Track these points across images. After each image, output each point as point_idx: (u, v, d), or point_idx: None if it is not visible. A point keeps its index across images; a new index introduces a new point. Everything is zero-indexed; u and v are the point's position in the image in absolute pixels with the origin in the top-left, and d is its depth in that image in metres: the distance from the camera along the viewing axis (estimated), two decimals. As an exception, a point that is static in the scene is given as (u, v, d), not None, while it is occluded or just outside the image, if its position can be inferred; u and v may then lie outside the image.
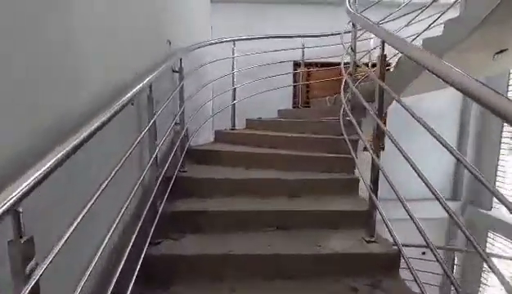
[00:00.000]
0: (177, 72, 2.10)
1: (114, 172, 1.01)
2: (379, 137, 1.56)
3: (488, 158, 4.42)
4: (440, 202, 1.03)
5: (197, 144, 2.79)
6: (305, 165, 2.22)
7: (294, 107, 4.27)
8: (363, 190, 2.08)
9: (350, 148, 2.06)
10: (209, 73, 3.42)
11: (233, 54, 3.07)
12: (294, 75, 4.33)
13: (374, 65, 4.15)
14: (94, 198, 0.86)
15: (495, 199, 4.36)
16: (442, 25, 2.39)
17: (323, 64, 4.25)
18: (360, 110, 2.46)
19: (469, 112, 4.46)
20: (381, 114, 1.54)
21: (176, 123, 2.12)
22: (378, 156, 1.53)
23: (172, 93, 1.96)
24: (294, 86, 4.22)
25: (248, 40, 3.21)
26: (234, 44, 3.06)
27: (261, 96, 3.40)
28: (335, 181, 2.06)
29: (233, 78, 3.13)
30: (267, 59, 3.53)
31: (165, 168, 1.75)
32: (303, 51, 3.67)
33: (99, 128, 0.94)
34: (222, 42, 2.89)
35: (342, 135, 2.29)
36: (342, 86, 2.47)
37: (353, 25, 2.39)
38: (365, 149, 1.74)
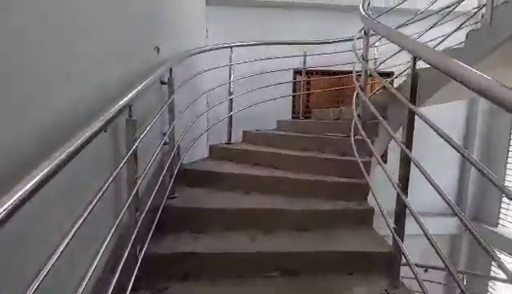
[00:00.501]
0: (166, 83, 1.80)
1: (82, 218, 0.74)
2: (406, 168, 1.29)
3: (495, 170, 4.23)
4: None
5: (191, 162, 2.50)
6: (311, 191, 1.95)
7: (293, 117, 4.01)
8: (378, 220, 1.82)
9: (363, 171, 1.80)
10: (205, 83, 3.14)
11: (230, 61, 2.79)
12: (294, 84, 4.08)
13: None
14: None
15: (501, 215, 4.17)
16: (458, 34, 2.17)
17: (325, 73, 4.01)
18: (371, 127, 2.21)
19: (475, 121, 4.27)
20: (410, 145, 1.27)
21: (165, 143, 1.82)
22: (406, 192, 1.27)
23: (161, 109, 1.66)
24: (294, 96, 3.96)
25: (246, 46, 2.94)
26: (231, 51, 2.78)
27: (259, 105, 3.13)
28: (347, 212, 1.79)
29: (230, 88, 2.85)
30: (266, 66, 3.26)
31: (149, 201, 1.45)
32: (305, 59, 3.42)
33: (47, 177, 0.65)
34: (217, 48, 2.60)
35: (352, 155, 2.03)
36: (353, 99, 2.21)
37: (365, 33, 2.14)
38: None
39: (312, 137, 2.47)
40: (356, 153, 1.94)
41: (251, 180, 2.08)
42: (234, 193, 2.01)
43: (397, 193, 1.29)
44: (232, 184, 2.09)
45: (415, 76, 1.25)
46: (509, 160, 4.07)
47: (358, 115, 2.14)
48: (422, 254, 2.54)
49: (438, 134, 1.03)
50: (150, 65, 1.55)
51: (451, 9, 2.04)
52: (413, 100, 1.26)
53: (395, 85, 2.99)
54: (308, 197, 1.92)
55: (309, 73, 3.90)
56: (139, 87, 1.19)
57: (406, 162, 1.28)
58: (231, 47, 2.77)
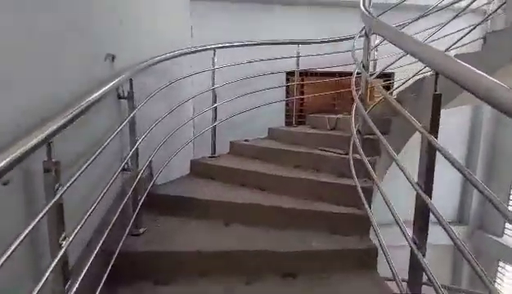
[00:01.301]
0: (124, 98, 1.47)
1: None
2: (423, 221, 0.98)
3: (500, 178, 3.95)
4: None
5: (169, 181, 2.18)
6: (304, 222, 1.64)
7: (287, 123, 3.67)
8: (382, 260, 1.52)
9: (364, 201, 1.48)
10: (188, 88, 2.80)
11: (213, 65, 2.44)
12: (287, 86, 3.73)
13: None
14: None
15: (507, 224, 3.90)
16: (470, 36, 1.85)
17: (321, 74, 3.67)
18: (373, 143, 1.89)
19: (479, 130, 3.97)
20: (430, 191, 0.96)
21: (124, 169, 1.49)
22: (424, 253, 0.96)
23: (118, 129, 1.33)
24: (287, 104, 3.63)
25: (231, 48, 2.59)
26: (214, 53, 2.43)
27: (250, 109, 2.80)
28: (345, 252, 1.48)
29: (214, 95, 2.51)
30: (256, 69, 2.92)
31: (97, 249, 1.13)
32: (298, 60, 3.08)
33: None
34: (195, 51, 2.25)
35: (350, 177, 1.72)
36: (352, 112, 1.88)
37: (366, 35, 1.80)
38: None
39: (307, 153, 2.14)
40: (355, 175, 1.62)
41: (233, 208, 1.75)
42: (212, 225, 1.69)
43: (417, 194, 0.96)
44: (211, 212, 1.77)
45: (437, 98, 0.93)
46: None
47: (358, 131, 1.82)
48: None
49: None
50: (95, 79, 1.21)
51: (467, 3, 1.71)
52: (434, 127, 0.93)
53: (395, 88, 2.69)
54: (300, 230, 1.61)
55: (303, 74, 3.55)
56: (61, 121, 0.85)
57: (422, 212, 0.97)
58: (214, 50, 2.42)
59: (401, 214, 1.03)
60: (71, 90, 1.10)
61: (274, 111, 3.44)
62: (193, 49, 2.21)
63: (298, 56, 3.06)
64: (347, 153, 1.98)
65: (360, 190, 1.52)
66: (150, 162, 1.86)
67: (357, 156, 1.77)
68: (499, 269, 3.95)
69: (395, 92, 2.70)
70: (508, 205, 3.88)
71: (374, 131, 1.85)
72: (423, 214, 0.98)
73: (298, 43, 3.04)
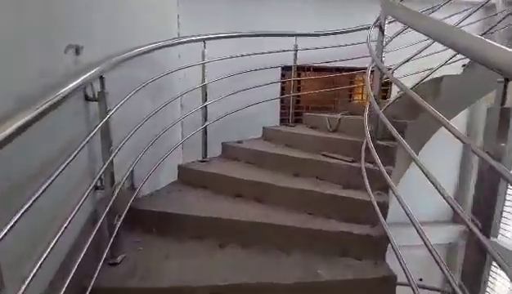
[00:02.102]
0: (94, 100, 1.18)
1: None
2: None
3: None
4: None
5: (155, 190, 1.91)
6: (309, 243, 1.42)
7: (282, 121, 3.43)
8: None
9: (380, 218, 1.28)
10: (175, 85, 2.52)
11: (203, 58, 2.15)
12: (283, 82, 3.47)
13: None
14: None
15: (502, 225, 3.84)
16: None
17: (318, 70, 3.43)
18: (383, 150, 1.67)
19: (478, 126, 3.85)
20: (489, 228, 0.74)
21: (97, 188, 1.22)
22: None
23: (84, 142, 1.05)
24: (282, 101, 3.37)
25: (223, 39, 2.30)
26: (204, 45, 2.14)
27: (242, 106, 2.54)
28: (356, 283, 1.27)
29: (204, 92, 2.23)
30: (249, 63, 2.64)
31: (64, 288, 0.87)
32: (296, 54, 2.82)
33: None
34: (182, 42, 1.95)
35: (360, 188, 1.52)
36: (365, 113, 1.65)
37: (381, 29, 1.55)
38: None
39: (308, 159, 1.91)
40: (369, 188, 1.40)
41: (228, 226, 1.51)
42: (204, 247, 1.45)
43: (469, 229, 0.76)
44: (203, 231, 1.52)
45: (505, 113, 0.70)
46: None
47: (372, 137, 1.59)
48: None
49: None
50: (52, 77, 0.92)
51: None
52: (500, 152, 0.71)
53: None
54: (305, 252, 1.39)
55: (300, 69, 3.29)
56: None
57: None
58: (204, 41, 2.13)
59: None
60: (18, 93, 0.81)
61: (268, 108, 3.18)
62: (179, 40, 1.91)
63: (295, 50, 2.81)
64: (353, 161, 1.76)
65: (376, 206, 1.31)
66: (132, 172, 1.60)
67: (369, 165, 1.57)
68: (493, 268, 3.90)
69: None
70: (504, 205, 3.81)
71: (388, 136, 1.64)
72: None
73: (295, 35, 2.78)
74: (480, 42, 0.73)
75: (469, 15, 1.45)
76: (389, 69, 1.39)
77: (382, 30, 1.54)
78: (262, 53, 2.62)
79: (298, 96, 3.51)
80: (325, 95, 3.51)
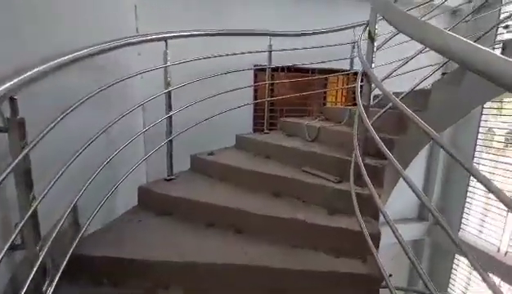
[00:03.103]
0: (3, 131, 0.83)
1: None
2: None
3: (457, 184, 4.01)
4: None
5: (108, 223, 1.56)
6: (294, 286, 1.20)
7: (255, 126, 3.18)
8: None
9: (374, 253, 1.11)
10: (134, 92, 2.14)
11: (166, 60, 1.81)
12: (256, 82, 3.21)
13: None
14: None
15: (464, 220, 4.02)
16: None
17: (291, 70, 3.21)
18: (374, 171, 1.50)
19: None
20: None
21: (13, 247, 0.88)
22: None
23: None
24: (255, 101, 3.10)
25: (189, 38, 1.97)
26: (166, 45, 1.80)
27: (213, 112, 2.24)
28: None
29: (168, 100, 1.89)
30: (219, 65, 2.33)
31: None
32: (270, 55, 2.57)
33: None
34: (138, 42, 1.59)
35: (347, 212, 1.34)
36: (355, 126, 1.44)
37: (370, 36, 1.35)
38: None
39: (288, 179, 1.68)
40: (360, 217, 1.22)
41: (199, 273, 1.24)
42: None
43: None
44: (164, 281, 1.23)
45: None
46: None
47: (363, 152, 1.40)
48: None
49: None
50: None
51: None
52: None
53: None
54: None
55: (273, 69, 3.05)
56: None
57: None
58: (166, 40, 1.78)
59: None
60: None
61: (240, 112, 2.90)
62: (135, 39, 1.55)
63: (270, 51, 2.55)
64: (339, 181, 1.58)
65: (368, 239, 1.13)
66: (75, 206, 1.24)
67: (359, 188, 1.39)
68: (455, 261, 4.09)
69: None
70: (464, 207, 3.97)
71: (373, 152, 1.47)
72: None
73: (269, 35, 2.52)
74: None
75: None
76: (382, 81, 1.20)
77: (372, 36, 1.34)
78: (234, 54, 2.33)
79: (271, 94, 3.26)
80: (299, 97, 3.32)
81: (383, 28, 1.35)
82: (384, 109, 1.47)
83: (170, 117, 1.90)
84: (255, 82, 3.23)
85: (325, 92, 3.52)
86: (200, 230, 1.51)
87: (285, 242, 1.38)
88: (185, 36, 1.91)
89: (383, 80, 1.36)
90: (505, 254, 3.47)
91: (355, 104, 3.19)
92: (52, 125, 0.96)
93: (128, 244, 1.37)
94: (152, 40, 1.68)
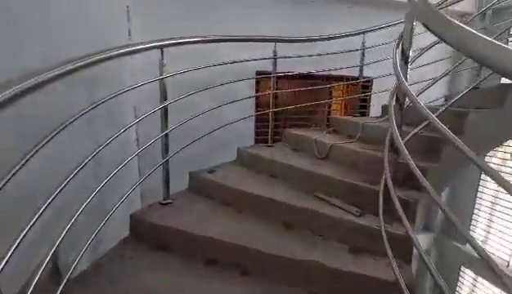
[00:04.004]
0: None
1: None
2: None
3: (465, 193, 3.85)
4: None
5: (96, 260, 1.34)
6: None
7: (257, 136, 2.96)
8: None
9: None
10: (127, 108, 1.92)
11: (161, 71, 1.58)
12: (257, 90, 2.98)
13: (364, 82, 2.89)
14: None
15: (471, 233, 3.86)
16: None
17: (296, 77, 2.98)
18: (405, 206, 1.29)
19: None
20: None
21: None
22: None
23: None
24: (258, 111, 2.88)
25: (187, 45, 1.74)
26: (162, 53, 1.56)
27: (212, 122, 2.01)
28: None
29: (165, 116, 1.66)
30: (218, 70, 2.11)
31: None
32: (275, 62, 2.35)
33: None
34: (130, 52, 1.36)
35: (371, 253, 1.15)
36: (385, 149, 1.22)
37: (403, 45, 1.14)
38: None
39: (300, 208, 1.47)
40: (394, 265, 1.01)
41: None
42: None
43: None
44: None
45: None
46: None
47: (396, 179, 1.18)
48: None
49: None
50: None
51: None
52: None
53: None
54: None
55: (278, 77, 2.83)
56: None
57: None
58: (162, 48, 1.55)
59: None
60: None
61: (242, 121, 2.67)
62: (126, 49, 1.32)
63: (275, 57, 2.33)
64: (361, 214, 1.37)
65: (406, 291, 0.94)
66: (56, 252, 1.02)
67: (388, 226, 1.18)
68: (460, 273, 3.94)
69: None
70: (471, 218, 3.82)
71: (401, 181, 1.27)
72: None
73: (274, 41, 2.30)
74: None
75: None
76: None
77: (405, 47, 1.13)
78: (234, 62, 2.10)
79: (275, 101, 3.03)
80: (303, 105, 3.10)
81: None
82: (417, 129, 1.26)
83: (166, 136, 1.67)
84: (257, 88, 3.02)
85: (329, 104, 3.32)
86: (198, 270, 1.30)
87: (301, 289, 1.17)
88: (183, 43, 1.68)
89: (418, 95, 1.16)
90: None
91: (361, 114, 3.02)
92: (22, 162, 0.73)
93: (115, 291, 1.14)
94: (146, 49, 1.45)
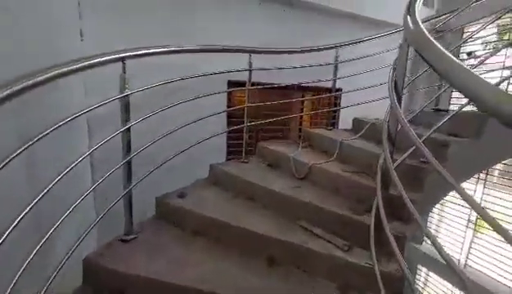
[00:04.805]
0: None
1: None
2: None
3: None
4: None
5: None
6: None
7: (229, 148, 2.78)
8: None
9: None
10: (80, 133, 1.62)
11: (123, 88, 1.33)
12: (229, 99, 2.80)
13: (324, 90, 2.84)
14: None
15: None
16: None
17: (271, 88, 2.86)
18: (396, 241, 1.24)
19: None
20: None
21: None
22: None
23: None
24: (230, 121, 2.69)
25: (152, 56, 1.50)
26: (124, 66, 1.31)
27: (183, 137, 1.80)
28: None
29: (127, 140, 1.40)
30: (191, 83, 1.89)
31: None
32: (250, 74, 2.19)
33: None
34: (70, 70, 1.09)
35: (360, 291, 1.06)
36: (378, 171, 1.14)
37: (398, 73, 1.06)
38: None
39: (284, 242, 1.34)
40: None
41: None
42: None
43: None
44: None
45: None
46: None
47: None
48: None
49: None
50: None
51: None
52: None
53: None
54: None
55: (243, 84, 2.66)
56: None
57: None
58: (123, 60, 1.30)
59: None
60: None
61: (214, 130, 2.47)
62: (78, 65, 1.05)
63: (250, 69, 2.18)
64: (349, 248, 1.29)
65: None
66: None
67: (379, 264, 1.11)
68: (417, 271, 4.22)
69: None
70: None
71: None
72: None
73: (249, 52, 2.15)
74: None
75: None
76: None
77: (398, 74, 1.06)
78: (204, 75, 1.91)
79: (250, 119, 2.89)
80: (275, 116, 2.99)
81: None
82: (405, 155, 1.20)
83: (129, 165, 1.42)
84: (229, 97, 2.83)
85: (300, 111, 3.27)
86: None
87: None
88: (149, 54, 1.44)
89: (409, 119, 1.09)
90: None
91: (331, 124, 2.99)
92: None
93: None
94: (105, 62, 1.19)
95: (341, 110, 3.07)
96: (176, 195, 1.79)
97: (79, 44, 1.97)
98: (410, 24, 0.94)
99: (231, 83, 2.65)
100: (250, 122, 2.31)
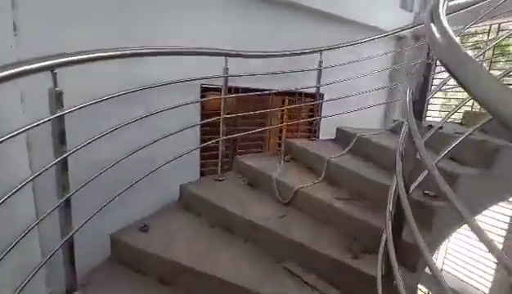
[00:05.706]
0: None
1: None
2: None
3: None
4: None
5: None
6: None
7: (203, 164, 2.45)
8: None
9: None
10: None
11: (54, 107, 0.98)
12: (203, 107, 2.47)
13: (309, 96, 2.53)
14: None
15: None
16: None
17: (249, 91, 2.58)
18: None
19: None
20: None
21: None
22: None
23: None
24: (204, 131, 2.36)
25: (93, 61, 1.16)
26: (54, 78, 0.96)
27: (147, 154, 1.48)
28: None
29: (62, 175, 1.06)
30: (156, 90, 1.56)
31: None
32: (226, 80, 1.89)
33: None
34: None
35: None
36: (387, 214, 0.91)
37: (415, 100, 0.84)
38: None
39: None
40: None
41: None
42: None
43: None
44: None
45: None
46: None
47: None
48: None
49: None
50: None
51: None
52: None
53: None
54: None
55: (217, 90, 2.35)
56: None
57: None
58: (52, 69, 0.95)
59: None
60: None
61: (184, 141, 2.13)
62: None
63: (226, 76, 1.88)
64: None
65: None
66: None
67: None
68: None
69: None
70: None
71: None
72: None
73: (225, 55, 1.85)
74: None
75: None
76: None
77: (415, 93, 0.83)
78: (171, 83, 1.59)
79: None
80: (254, 122, 2.72)
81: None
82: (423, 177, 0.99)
83: (68, 199, 1.08)
84: (203, 97, 2.48)
85: (281, 117, 3.03)
86: None
87: None
88: (87, 59, 1.09)
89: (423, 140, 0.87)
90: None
91: (312, 132, 2.77)
92: None
93: None
94: (29, 72, 0.84)
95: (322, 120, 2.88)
96: (137, 228, 1.47)
97: (12, 40, 1.55)
98: (436, 34, 0.71)
99: (204, 89, 2.33)
100: (227, 128, 2.02)
